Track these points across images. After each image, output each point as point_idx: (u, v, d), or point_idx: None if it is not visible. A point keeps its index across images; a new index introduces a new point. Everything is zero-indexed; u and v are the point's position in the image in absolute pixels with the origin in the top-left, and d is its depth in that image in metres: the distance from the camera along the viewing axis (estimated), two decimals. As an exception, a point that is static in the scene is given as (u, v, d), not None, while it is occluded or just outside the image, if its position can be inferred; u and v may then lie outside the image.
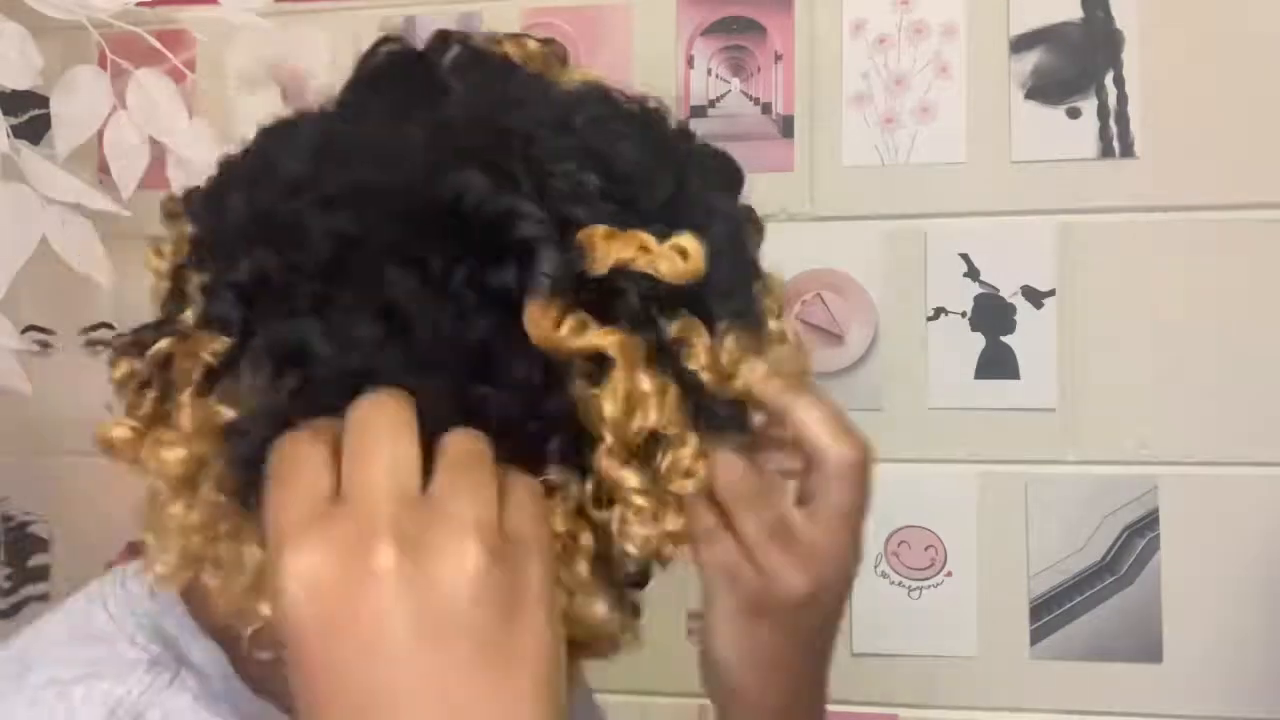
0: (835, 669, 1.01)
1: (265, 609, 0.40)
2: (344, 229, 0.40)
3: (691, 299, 0.42)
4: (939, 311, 0.96)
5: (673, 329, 0.42)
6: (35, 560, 1.09)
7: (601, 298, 0.40)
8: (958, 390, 0.95)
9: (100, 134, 0.86)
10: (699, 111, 1.00)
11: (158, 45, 0.87)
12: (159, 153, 0.88)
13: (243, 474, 0.40)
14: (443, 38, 0.49)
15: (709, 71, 1.00)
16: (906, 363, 0.96)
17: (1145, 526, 0.93)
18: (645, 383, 0.40)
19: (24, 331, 1.01)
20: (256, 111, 0.50)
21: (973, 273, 0.95)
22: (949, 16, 0.96)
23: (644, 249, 0.41)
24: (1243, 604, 0.92)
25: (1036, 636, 0.94)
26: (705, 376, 0.42)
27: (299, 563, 0.34)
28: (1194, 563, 0.92)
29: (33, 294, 1.00)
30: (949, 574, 0.95)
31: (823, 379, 0.97)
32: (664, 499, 0.43)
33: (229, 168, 0.45)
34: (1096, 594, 0.93)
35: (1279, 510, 0.92)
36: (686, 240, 0.41)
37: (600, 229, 0.40)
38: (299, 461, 0.36)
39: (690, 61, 1.00)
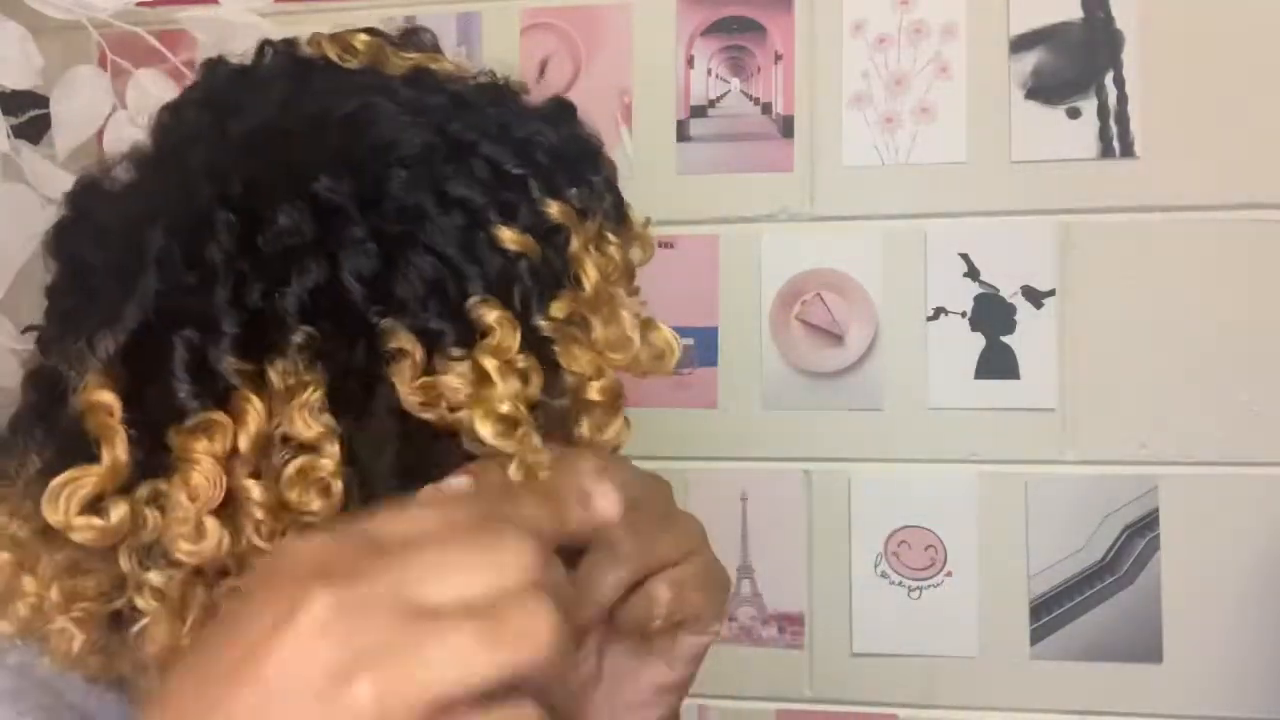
0: (835, 669, 1.02)
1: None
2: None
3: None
4: (939, 311, 0.96)
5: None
6: (35, 560, 1.09)
7: None
8: (958, 390, 0.95)
9: (100, 134, 0.86)
10: (699, 111, 1.00)
11: (158, 45, 0.87)
12: (159, 153, 0.88)
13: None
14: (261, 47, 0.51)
15: (709, 71, 1.00)
16: (906, 363, 0.96)
17: (1145, 526, 0.93)
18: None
19: (24, 332, 1.01)
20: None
21: (973, 273, 0.95)
22: (949, 16, 0.96)
23: None
24: (1243, 604, 0.92)
25: (1036, 636, 0.94)
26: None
27: None
28: (1194, 563, 0.92)
29: (33, 294, 1.00)
30: (949, 574, 0.95)
31: (823, 379, 0.97)
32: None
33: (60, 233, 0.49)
34: (1096, 594, 0.93)
35: (1279, 510, 0.92)
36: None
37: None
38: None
39: (690, 61, 1.00)
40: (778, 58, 0.99)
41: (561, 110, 0.52)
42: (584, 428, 0.46)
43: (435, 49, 0.52)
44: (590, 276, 0.45)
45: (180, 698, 0.32)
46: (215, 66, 0.50)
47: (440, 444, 0.43)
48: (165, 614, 0.41)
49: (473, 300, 0.43)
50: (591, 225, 0.47)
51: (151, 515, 0.41)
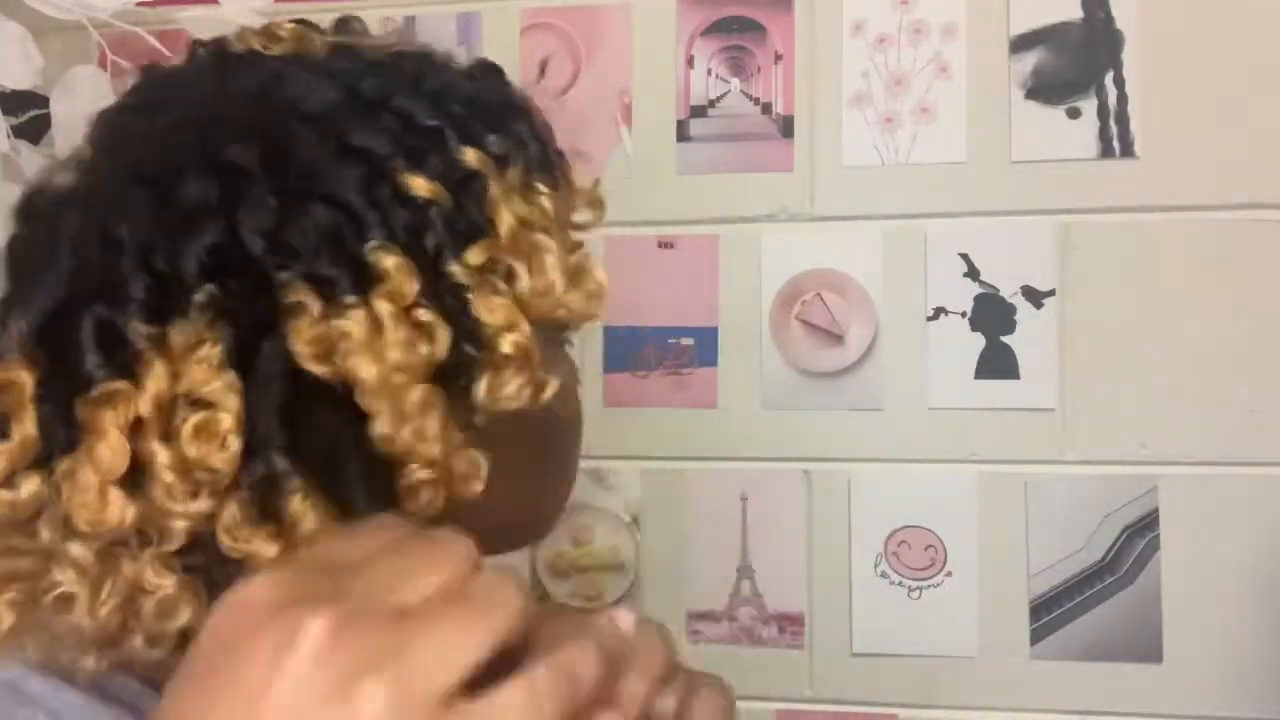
0: (835, 669, 1.02)
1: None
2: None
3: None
4: (939, 311, 0.96)
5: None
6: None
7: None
8: (957, 390, 0.95)
9: (100, 134, 0.86)
10: (699, 111, 1.00)
11: (158, 45, 0.87)
12: (159, 153, 0.88)
13: None
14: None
15: (709, 71, 1.00)
16: (906, 363, 0.96)
17: (1145, 526, 0.93)
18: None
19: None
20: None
21: (973, 272, 0.95)
22: (949, 16, 0.96)
23: None
24: (1243, 604, 0.92)
25: (1036, 636, 0.94)
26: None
27: None
28: (1194, 563, 0.92)
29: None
30: (949, 574, 0.95)
31: (823, 379, 0.97)
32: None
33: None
34: (1096, 594, 0.93)
35: (1279, 510, 0.92)
36: None
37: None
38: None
39: (690, 61, 1.00)
40: (778, 58, 0.99)
41: (484, 67, 0.51)
42: (481, 386, 0.45)
43: (364, 34, 0.51)
44: (505, 222, 0.45)
45: None
46: (149, 70, 0.51)
47: (332, 400, 0.42)
48: (85, 586, 0.42)
49: (370, 245, 0.42)
50: (514, 173, 0.46)
51: (66, 488, 0.41)
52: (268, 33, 0.50)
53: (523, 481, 0.50)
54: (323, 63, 0.47)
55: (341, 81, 0.46)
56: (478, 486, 0.45)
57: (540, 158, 0.49)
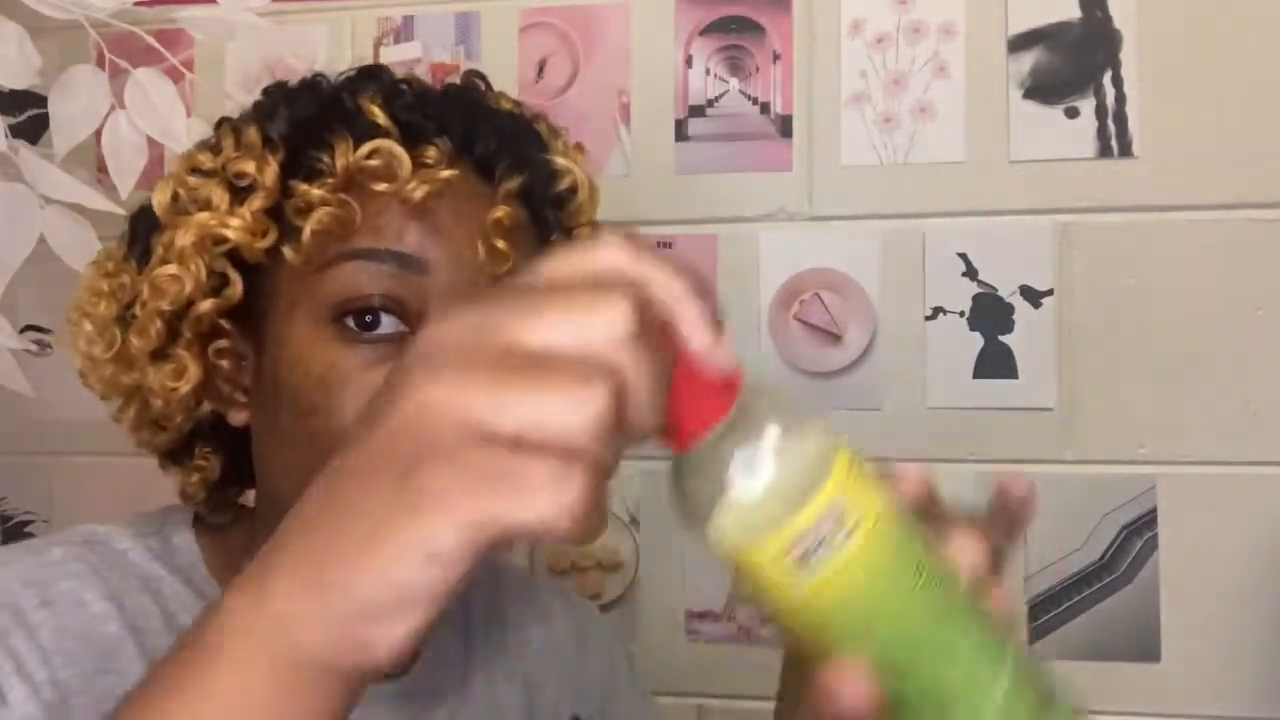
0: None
1: None
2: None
3: None
4: (937, 311, 0.96)
5: None
6: (33, 560, 1.09)
7: None
8: (956, 390, 0.95)
9: (98, 133, 0.86)
10: (697, 111, 1.00)
11: (156, 45, 0.87)
12: (157, 152, 0.88)
13: None
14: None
15: (707, 71, 1.00)
16: (905, 362, 0.96)
17: (1143, 526, 0.93)
18: None
19: (22, 331, 1.01)
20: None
21: (971, 272, 0.96)
22: (947, 16, 0.96)
23: None
24: (1241, 604, 0.92)
25: (1035, 636, 0.94)
26: None
27: None
28: (1192, 562, 0.92)
29: (31, 294, 1.00)
30: (947, 573, 0.95)
31: (821, 379, 0.97)
32: None
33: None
34: (1095, 593, 0.94)
35: (1278, 510, 0.92)
36: None
37: None
38: None
39: (689, 61, 1.00)
40: (776, 57, 0.99)
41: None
42: None
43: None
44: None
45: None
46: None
47: None
48: None
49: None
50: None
51: None
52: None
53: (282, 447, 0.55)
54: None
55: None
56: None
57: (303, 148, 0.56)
